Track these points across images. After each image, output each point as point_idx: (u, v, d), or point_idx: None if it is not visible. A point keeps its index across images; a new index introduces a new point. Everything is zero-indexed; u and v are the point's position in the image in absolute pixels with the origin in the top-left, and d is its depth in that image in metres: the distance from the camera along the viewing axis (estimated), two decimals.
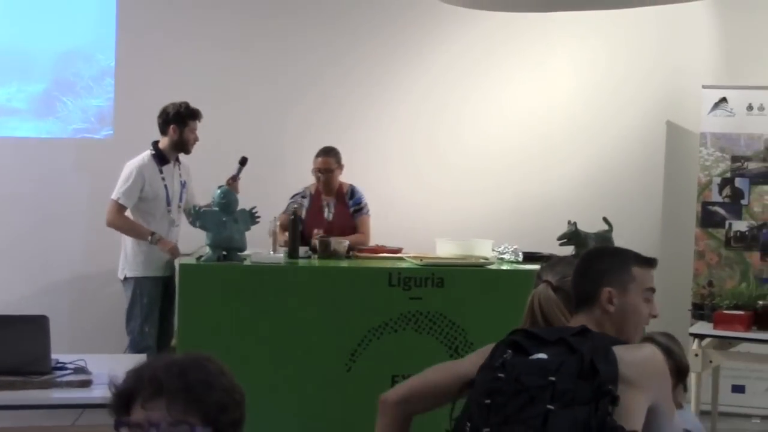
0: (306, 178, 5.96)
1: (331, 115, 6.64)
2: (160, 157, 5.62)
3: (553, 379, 2.30)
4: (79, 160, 6.44)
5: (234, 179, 5.46)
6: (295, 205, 5.65)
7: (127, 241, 5.60)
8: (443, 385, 2.61)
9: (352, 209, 5.95)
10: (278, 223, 5.39)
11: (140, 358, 2.33)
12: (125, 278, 5.60)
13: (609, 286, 2.56)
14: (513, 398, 2.33)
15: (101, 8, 6.46)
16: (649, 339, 3.05)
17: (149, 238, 5.46)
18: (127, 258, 5.60)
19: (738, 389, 6.50)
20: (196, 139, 5.67)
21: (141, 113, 6.25)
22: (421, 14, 6.69)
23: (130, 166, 5.57)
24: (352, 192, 5.99)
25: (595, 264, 2.65)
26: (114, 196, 5.52)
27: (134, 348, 5.43)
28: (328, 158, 5.86)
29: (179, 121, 5.60)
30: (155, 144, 5.64)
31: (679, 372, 3.21)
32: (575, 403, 2.28)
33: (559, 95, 6.91)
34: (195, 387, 1.71)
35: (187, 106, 5.63)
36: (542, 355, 2.40)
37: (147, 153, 5.61)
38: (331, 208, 5.86)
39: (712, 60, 7.06)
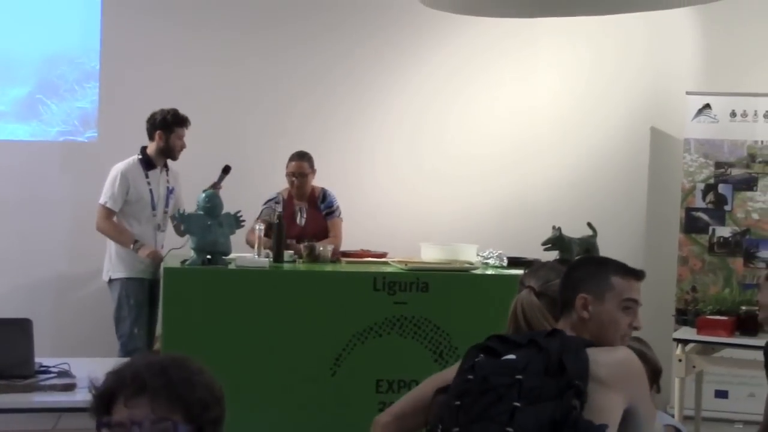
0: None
1: (318, 120, 6.63)
2: (147, 162, 5.63)
3: (520, 377, 2.33)
4: (63, 162, 6.42)
5: (215, 187, 5.45)
6: (279, 210, 5.64)
7: (113, 243, 5.61)
8: (428, 399, 2.63)
9: (324, 213, 5.94)
10: (261, 227, 5.39)
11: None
12: (110, 280, 5.59)
13: (584, 293, 2.58)
14: (481, 398, 2.36)
15: (86, 11, 6.44)
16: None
17: (131, 246, 5.47)
18: (111, 260, 5.60)
19: (721, 394, 6.53)
20: (182, 146, 5.68)
21: (125, 116, 6.25)
22: (407, 19, 6.68)
23: (116, 169, 5.58)
24: (324, 195, 5.96)
25: (575, 271, 2.67)
26: (102, 200, 5.54)
27: (124, 350, 5.42)
28: (302, 162, 5.85)
29: (165, 127, 5.62)
30: (143, 149, 5.66)
31: (654, 374, 3.23)
32: (541, 400, 2.30)
33: (544, 101, 6.93)
34: (177, 384, 1.72)
35: (175, 113, 5.65)
36: (511, 356, 2.42)
37: (134, 157, 5.63)
38: (303, 213, 5.83)
39: (696, 66, 7.09)
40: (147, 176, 5.62)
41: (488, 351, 2.48)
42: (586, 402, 2.31)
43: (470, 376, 2.42)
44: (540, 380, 2.32)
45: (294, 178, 5.84)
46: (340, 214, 5.94)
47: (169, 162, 5.74)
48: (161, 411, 1.70)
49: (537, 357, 2.37)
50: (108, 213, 5.54)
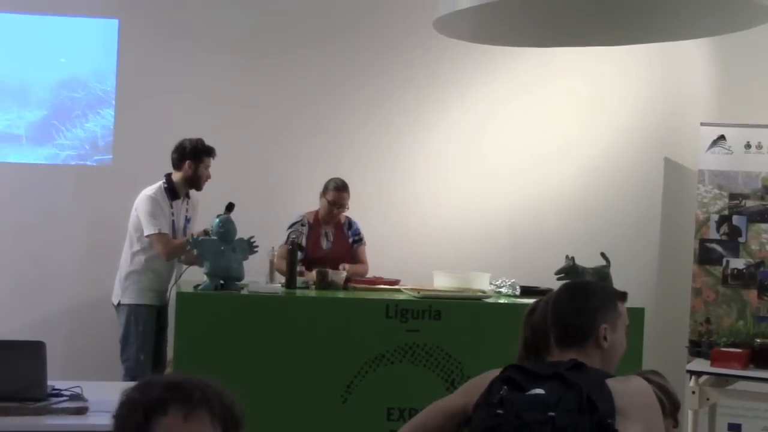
0: (311, 208, 5.97)
1: (331, 147, 6.64)
2: (172, 191, 5.59)
3: (552, 414, 2.33)
4: (77, 186, 6.43)
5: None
6: (294, 236, 5.66)
7: (122, 268, 5.59)
8: (433, 426, 2.64)
9: (351, 239, 5.97)
10: (274, 253, 5.39)
11: None
12: (119, 304, 5.57)
13: (605, 323, 2.60)
14: None
15: (103, 36, 6.48)
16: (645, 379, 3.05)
17: (194, 233, 5.46)
18: (121, 284, 5.58)
19: (734, 428, 6.47)
20: (208, 177, 5.65)
21: (140, 141, 6.29)
22: (425, 53, 6.67)
23: (146, 197, 5.50)
24: (350, 223, 6.01)
25: (589, 301, 2.66)
26: (152, 230, 5.44)
27: (129, 377, 5.39)
28: (344, 194, 5.87)
29: (195, 156, 5.59)
30: (168, 177, 5.62)
31: (674, 408, 3.21)
32: None
33: (558, 132, 6.93)
34: (224, 399, 1.71)
35: (203, 142, 5.63)
36: (540, 391, 2.42)
37: (159, 184, 5.57)
38: (330, 237, 5.85)
39: (711, 97, 7.09)
40: (171, 206, 5.58)
41: (511, 383, 2.47)
42: None
43: (500, 411, 2.40)
44: (573, 418, 2.33)
45: (334, 208, 5.85)
46: (365, 241, 6.02)
47: (190, 191, 5.72)
48: (217, 424, 1.68)
49: (568, 393, 2.37)
50: (164, 237, 5.47)
